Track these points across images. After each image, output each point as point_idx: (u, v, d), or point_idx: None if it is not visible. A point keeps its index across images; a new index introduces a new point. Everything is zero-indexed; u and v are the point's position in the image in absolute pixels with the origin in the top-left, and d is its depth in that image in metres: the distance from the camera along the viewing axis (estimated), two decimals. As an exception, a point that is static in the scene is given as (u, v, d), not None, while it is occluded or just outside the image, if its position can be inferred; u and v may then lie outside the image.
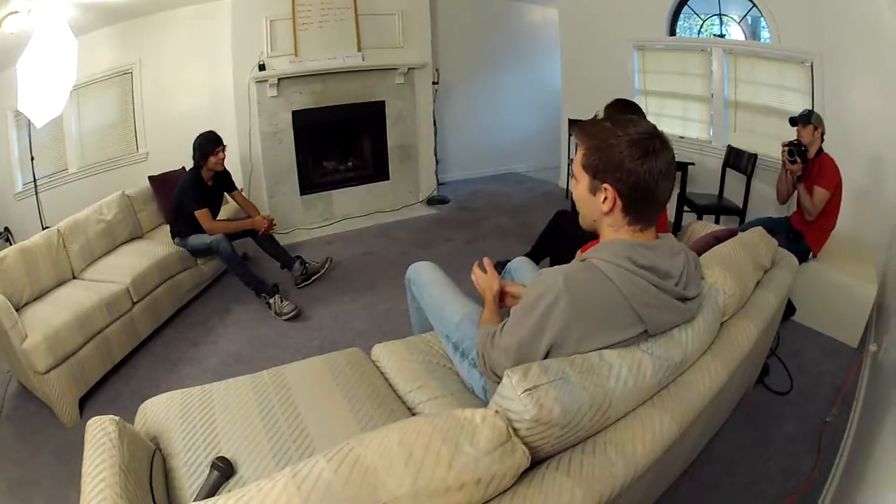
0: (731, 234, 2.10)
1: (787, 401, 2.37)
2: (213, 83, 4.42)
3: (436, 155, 5.65)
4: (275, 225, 3.56)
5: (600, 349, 1.17)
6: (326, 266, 3.60)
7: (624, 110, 2.64)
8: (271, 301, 3.12)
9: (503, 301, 1.74)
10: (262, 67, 4.33)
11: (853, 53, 3.47)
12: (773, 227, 2.83)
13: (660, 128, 1.25)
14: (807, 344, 2.82)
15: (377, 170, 5.25)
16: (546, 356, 1.18)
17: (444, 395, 1.72)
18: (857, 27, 3.41)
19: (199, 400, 1.58)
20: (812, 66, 3.73)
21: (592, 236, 2.42)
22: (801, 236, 2.99)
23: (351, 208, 5.02)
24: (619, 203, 1.18)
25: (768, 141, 4.28)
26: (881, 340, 2.45)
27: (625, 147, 1.14)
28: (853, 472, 1.74)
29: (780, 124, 4.02)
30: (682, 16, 5.14)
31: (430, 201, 5.42)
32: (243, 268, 3.26)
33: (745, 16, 4.73)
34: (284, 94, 4.51)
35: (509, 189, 6.14)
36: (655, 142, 1.14)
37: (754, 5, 4.48)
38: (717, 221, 4.04)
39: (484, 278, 1.74)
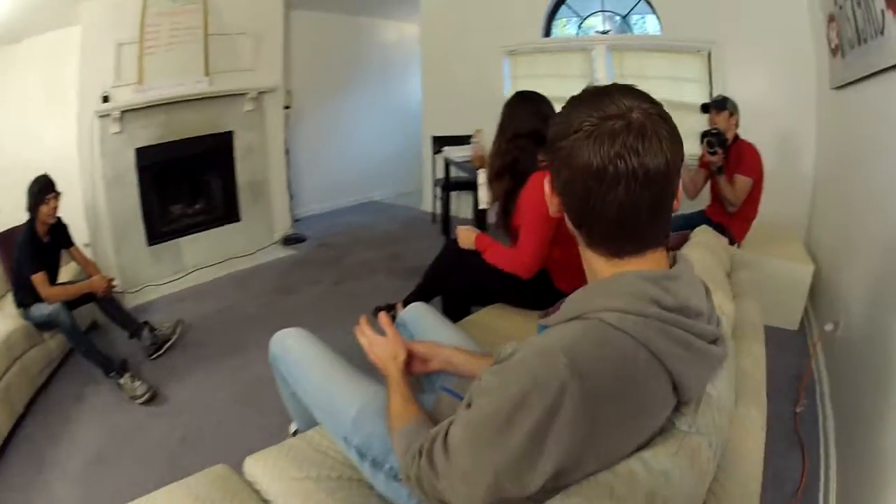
0: (684, 239, 2.01)
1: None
2: (58, 125, 3.77)
3: (289, 189, 5.28)
4: (114, 286, 3.06)
5: (635, 452, 0.79)
6: (178, 331, 3.16)
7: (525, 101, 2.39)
8: (121, 382, 2.67)
9: (409, 367, 1.36)
10: (105, 99, 3.73)
11: (747, 39, 3.76)
12: (689, 223, 2.71)
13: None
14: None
15: (227, 211, 4.76)
16: (547, 485, 0.75)
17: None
18: (747, 13, 3.70)
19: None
20: (710, 55, 3.89)
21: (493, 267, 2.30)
22: (720, 228, 2.90)
23: (202, 257, 4.48)
24: (567, 218, 0.89)
25: None
26: (836, 318, 2.41)
27: (569, 135, 0.81)
28: (861, 465, 1.68)
29: (680, 116, 4.10)
30: (556, 17, 5.18)
31: (287, 241, 5.01)
32: (86, 343, 2.76)
33: (629, 12, 4.87)
34: (128, 130, 3.93)
35: (371, 219, 5.92)
36: (621, 131, 0.77)
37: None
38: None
39: (384, 346, 1.34)
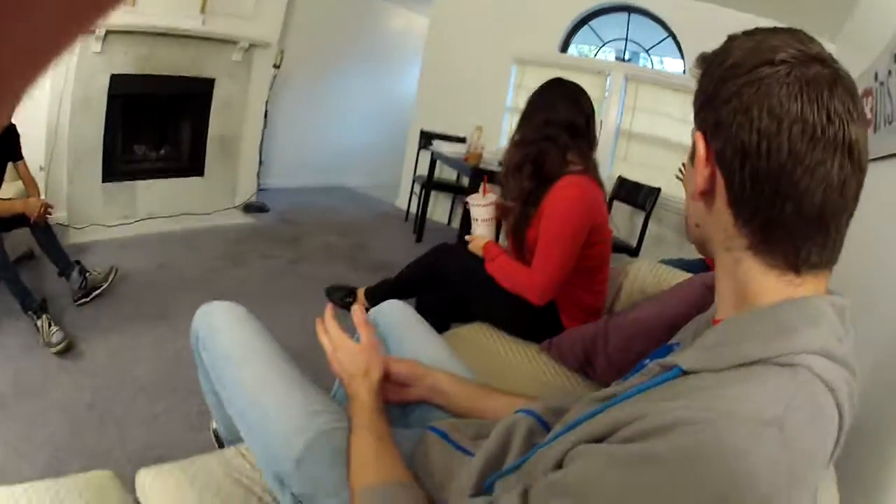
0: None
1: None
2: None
3: (260, 154, 4.97)
4: (50, 212, 2.73)
5: None
6: (110, 279, 2.83)
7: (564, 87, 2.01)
8: (38, 323, 2.36)
9: (382, 391, 1.03)
10: None
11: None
12: (687, 269, 2.56)
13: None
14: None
15: (192, 162, 4.44)
16: None
17: None
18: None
19: None
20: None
21: (504, 296, 1.94)
22: None
23: (156, 206, 4.15)
24: (726, 202, 0.62)
25: (661, 175, 4.19)
26: None
27: (758, 78, 0.58)
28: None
29: (677, 159, 4.06)
30: (575, 37, 5.15)
31: (248, 208, 4.72)
32: (11, 271, 2.45)
33: (653, 46, 4.84)
34: (108, 52, 3.61)
35: (339, 204, 5.65)
36: (824, 79, 0.57)
37: (670, 34, 4.58)
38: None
39: (353, 355, 1.03)
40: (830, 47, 3.72)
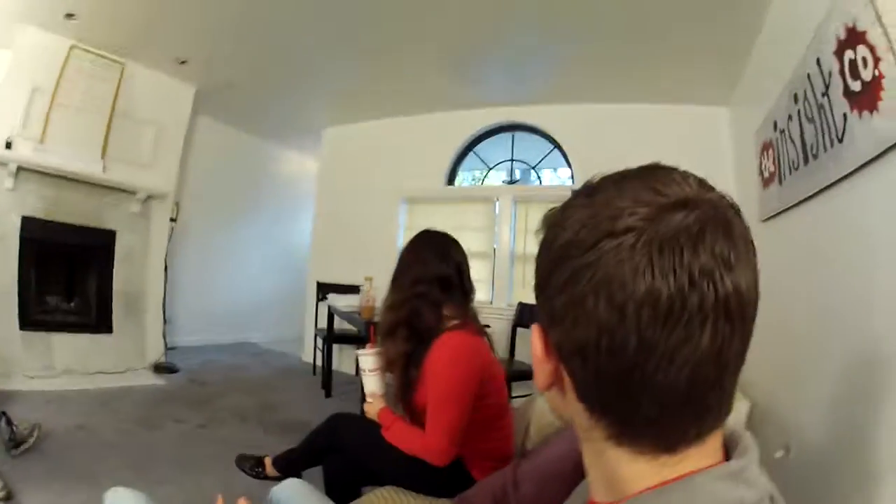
0: None
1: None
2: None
3: (164, 312, 5.12)
4: None
5: None
6: (35, 435, 2.92)
7: (432, 241, 2.00)
8: None
9: None
10: (8, 146, 3.66)
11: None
12: None
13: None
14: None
15: (100, 318, 4.58)
16: None
17: None
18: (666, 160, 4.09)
19: None
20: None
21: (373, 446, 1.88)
22: None
23: (73, 360, 4.24)
24: (575, 397, 0.55)
25: None
26: (787, 444, 2.26)
27: (596, 258, 0.49)
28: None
29: None
30: (461, 166, 5.26)
31: (158, 368, 4.83)
32: None
33: (538, 163, 4.95)
34: (20, 191, 3.84)
35: (246, 362, 5.78)
36: (684, 233, 0.47)
37: (555, 145, 4.75)
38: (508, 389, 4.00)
39: None
40: (723, 112, 4.15)
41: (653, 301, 0.46)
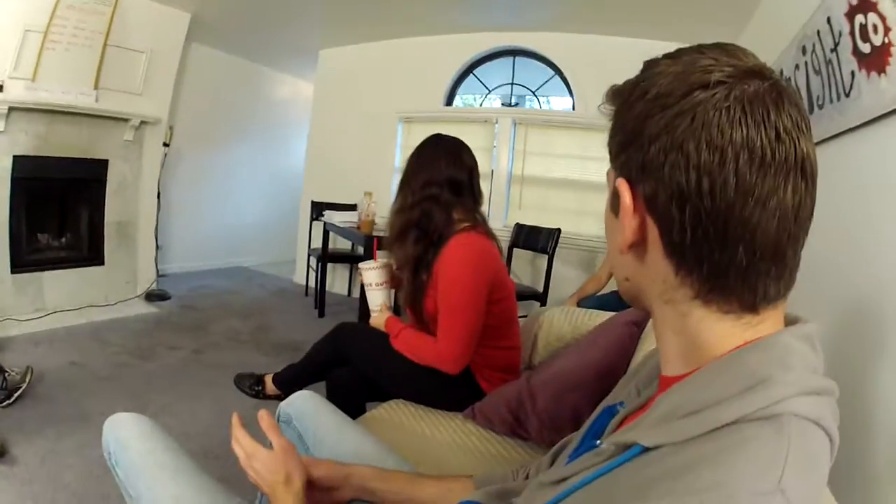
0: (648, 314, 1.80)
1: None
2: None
3: (156, 239, 5.04)
4: None
5: None
6: (27, 380, 2.86)
7: (443, 144, 1.96)
8: None
9: (307, 496, 0.95)
10: (0, 88, 3.54)
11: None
12: (605, 304, 2.73)
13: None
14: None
15: (91, 251, 4.48)
16: None
17: None
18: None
19: None
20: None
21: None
22: None
23: (63, 298, 4.17)
24: (662, 253, 0.55)
25: (559, 215, 4.29)
26: None
27: (691, 106, 0.51)
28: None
29: (586, 195, 4.22)
30: (460, 89, 5.20)
31: (150, 296, 4.77)
32: None
33: (539, 87, 4.94)
34: (11, 131, 3.69)
35: (238, 286, 5.75)
36: (767, 94, 0.50)
37: (557, 72, 4.71)
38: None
39: (269, 463, 0.93)
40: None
41: (749, 148, 0.48)
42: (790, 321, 0.56)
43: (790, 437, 0.45)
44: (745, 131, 0.49)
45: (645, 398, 0.67)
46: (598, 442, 0.61)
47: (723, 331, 0.54)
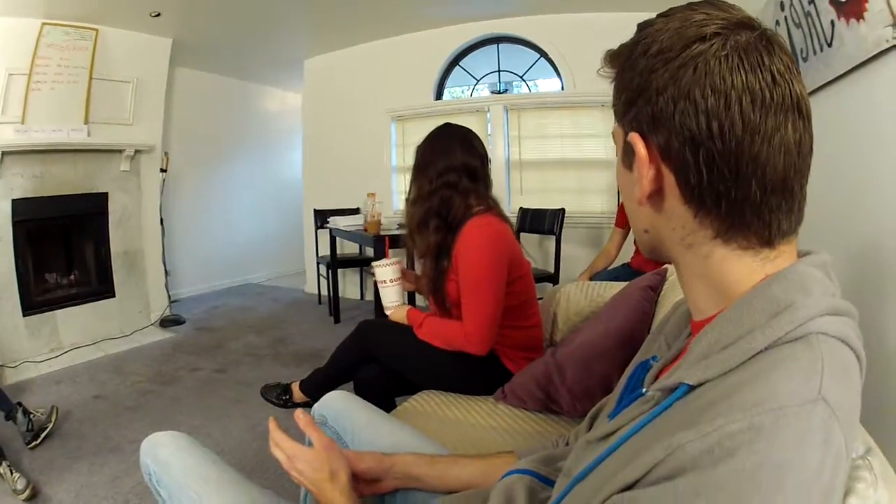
0: (663, 276, 1.79)
1: None
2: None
3: (164, 264, 5.04)
4: None
5: None
6: (54, 419, 2.85)
7: (454, 133, 1.96)
8: (1, 471, 2.38)
9: (354, 489, 0.95)
10: None
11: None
12: (617, 278, 2.74)
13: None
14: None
15: (101, 284, 4.50)
16: None
17: None
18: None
19: None
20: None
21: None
22: None
23: (78, 334, 4.19)
24: (680, 199, 0.58)
25: (561, 195, 4.29)
26: None
27: (692, 58, 0.55)
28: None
29: (583, 172, 4.20)
30: (448, 82, 5.21)
31: (164, 323, 4.77)
32: None
33: (526, 71, 4.95)
34: (6, 176, 3.72)
35: (251, 302, 5.75)
36: (758, 42, 0.55)
37: (542, 54, 4.71)
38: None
39: (312, 461, 0.94)
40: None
41: (750, 91, 0.52)
42: (803, 255, 0.60)
43: (821, 351, 0.49)
44: (744, 76, 0.53)
45: (677, 349, 0.69)
46: (644, 390, 0.65)
47: (744, 267, 0.57)
